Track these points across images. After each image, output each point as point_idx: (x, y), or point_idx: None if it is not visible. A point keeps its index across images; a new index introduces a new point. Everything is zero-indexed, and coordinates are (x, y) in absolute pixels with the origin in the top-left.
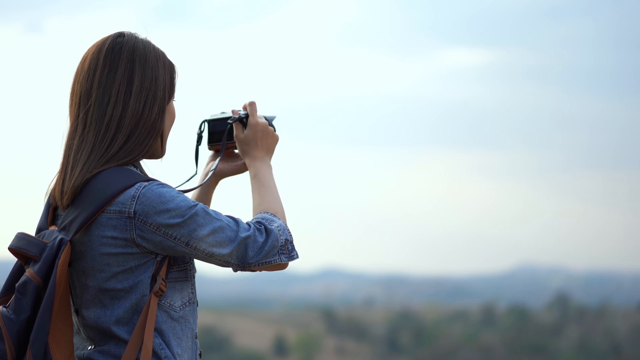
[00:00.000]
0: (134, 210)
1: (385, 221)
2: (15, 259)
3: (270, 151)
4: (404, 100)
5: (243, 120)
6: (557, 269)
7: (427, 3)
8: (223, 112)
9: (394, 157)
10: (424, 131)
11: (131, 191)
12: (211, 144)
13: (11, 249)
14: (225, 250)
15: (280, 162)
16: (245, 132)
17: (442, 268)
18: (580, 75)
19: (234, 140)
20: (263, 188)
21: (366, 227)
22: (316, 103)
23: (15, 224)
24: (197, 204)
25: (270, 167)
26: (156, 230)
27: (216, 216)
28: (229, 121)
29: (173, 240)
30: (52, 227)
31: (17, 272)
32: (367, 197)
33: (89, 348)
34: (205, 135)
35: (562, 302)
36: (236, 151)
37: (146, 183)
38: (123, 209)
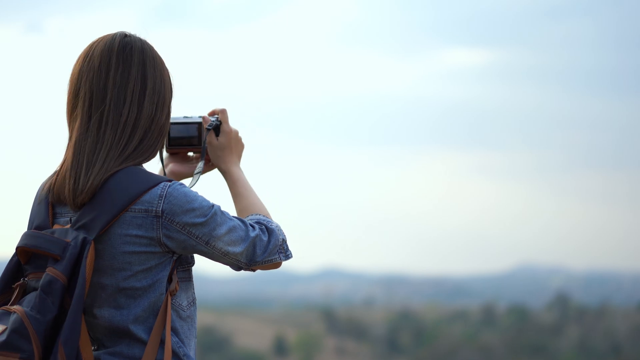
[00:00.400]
0: (162, 209)
1: (385, 221)
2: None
3: (240, 157)
4: (404, 100)
5: (217, 127)
6: (557, 269)
7: (427, 3)
8: (186, 117)
9: (394, 157)
10: (424, 131)
11: (157, 190)
12: (171, 147)
13: (25, 247)
14: (238, 249)
15: (281, 162)
16: (220, 139)
17: (442, 268)
18: (580, 75)
19: (201, 145)
20: (247, 191)
21: (366, 227)
22: (316, 103)
23: (15, 224)
24: (214, 204)
25: (243, 172)
26: (182, 229)
27: (228, 216)
28: (208, 127)
29: (195, 239)
30: (57, 226)
31: (13, 271)
32: (367, 197)
33: (93, 349)
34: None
35: (562, 302)
36: (190, 154)
37: (169, 183)
38: (150, 208)
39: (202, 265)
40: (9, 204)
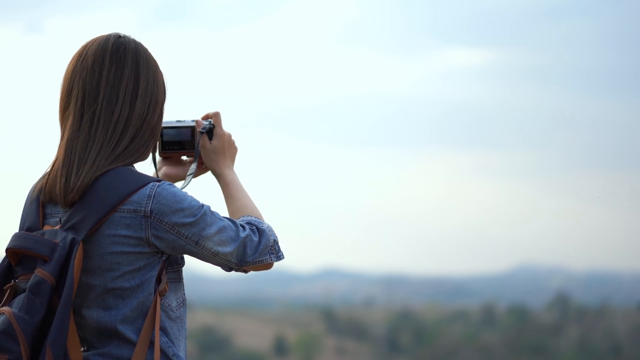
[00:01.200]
0: (151, 209)
1: (385, 221)
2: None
3: (234, 160)
4: (404, 100)
5: (211, 130)
6: (557, 269)
7: (427, 3)
8: (179, 121)
9: (394, 157)
10: (424, 131)
11: (146, 190)
12: (164, 151)
13: (15, 248)
14: (228, 249)
15: (281, 162)
16: (213, 142)
17: (442, 268)
18: (580, 75)
19: (195, 148)
20: (239, 193)
21: (366, 227)
22: (316, 103)
23: (15, 224)
24: (204, 204)
25: (237, 175)
26: (170, 229)
27: (218, 216)
28: (201, 130)
29: (184, 239)
30: (47, 227)
31: (4, 272)
32: (367, 197)
33: (82, 350)
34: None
35: (562, 302)
36: (184, 158)
37: (158, 183)
38: (138, 208)
39: (201, 265)
40: (8, 204)
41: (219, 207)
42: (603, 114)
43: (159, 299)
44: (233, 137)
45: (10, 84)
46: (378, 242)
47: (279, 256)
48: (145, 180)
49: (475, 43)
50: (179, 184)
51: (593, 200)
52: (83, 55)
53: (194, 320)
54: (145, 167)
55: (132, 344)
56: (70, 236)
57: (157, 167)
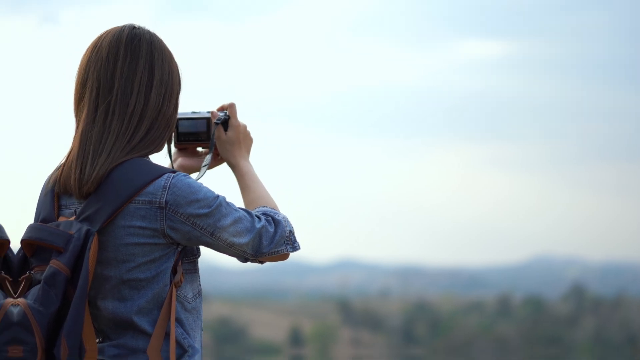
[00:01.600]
0: (166, 200)
1: (399, 213)
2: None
3: (249, 151)
4: (417, 92)
5: (226, 121)
6: (573, 260)
7: None
8: (194, 112)
9: (408, 149)
10: (438, 123)
11: (161, 181)
12: (179, 142)
13: (30, 240)
14: (244, 240)
15: (295, 153)
16: (228, 133)
17: (457, 259)
18: (596, 66)
19: (210, 139)
20: (254, 184)
21: (380, 219)
22: (330, 94)
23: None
24: (219, 195)
25: (252, 166)
26: (186, 220)
27: (234, 207)
28: (216, 121)
29: (200, 230)
30: (62, 218)
31: (19, 264)
32: (381, 189)
33: (97, 341)
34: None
35: (577, 293)
36: (199, 149)
37: (173, 174)
38: (154, 199)
39: (217, 257)
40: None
41: (235, 198)
42: (618, 105)
43: (174, 290)
44: (248, 129)
45: (26, 76)
46: (393, 234)
47: (294, 247)
48: (160, 171)
49: (491, 34)
50: (194, 175)
51: (607, 192)
52: (97, 47)
53: (210, 311)
54: (161, 158)
55: (148, 335)
56: (85, 227)
57: (173, 158)
